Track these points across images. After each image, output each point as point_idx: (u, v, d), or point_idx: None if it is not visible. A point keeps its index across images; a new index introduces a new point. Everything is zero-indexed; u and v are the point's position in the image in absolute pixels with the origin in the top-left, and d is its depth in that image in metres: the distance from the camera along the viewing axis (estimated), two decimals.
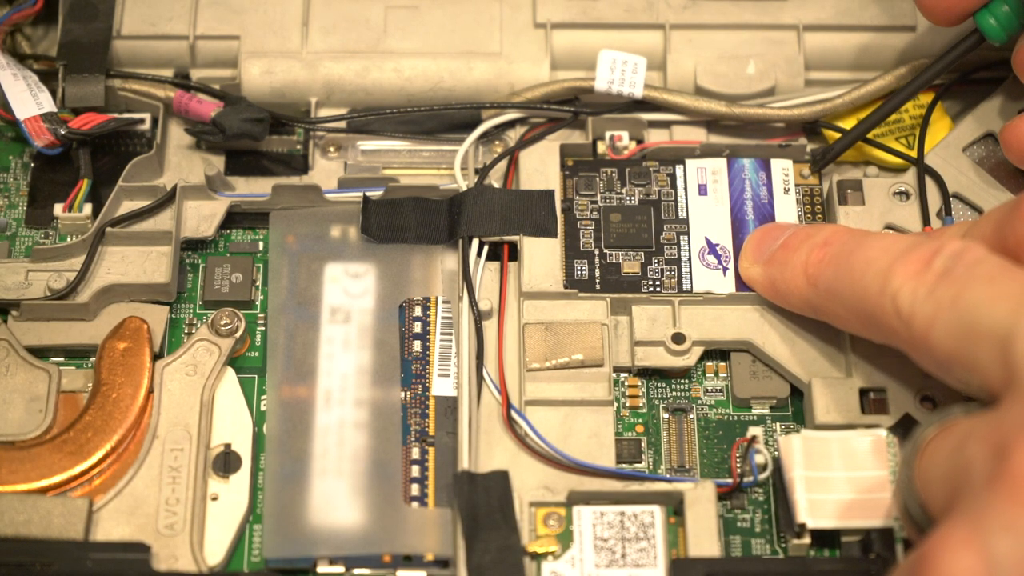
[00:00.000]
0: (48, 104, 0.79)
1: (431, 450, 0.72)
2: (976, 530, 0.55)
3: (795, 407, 0.74)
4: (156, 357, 0.74)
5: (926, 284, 0.63)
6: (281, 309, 0.75)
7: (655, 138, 0.81)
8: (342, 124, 0.81)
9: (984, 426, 0.58)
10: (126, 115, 0.81)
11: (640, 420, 0.74)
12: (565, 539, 0.69)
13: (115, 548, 0.67)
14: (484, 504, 0.68)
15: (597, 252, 0.77)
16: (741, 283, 0.75)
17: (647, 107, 0.81)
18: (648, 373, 0.75)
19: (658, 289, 0.75)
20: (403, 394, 0.73)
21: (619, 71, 0.80)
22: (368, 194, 0.78)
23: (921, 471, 0.62)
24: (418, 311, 0.76)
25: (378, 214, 0.77)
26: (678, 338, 0.74)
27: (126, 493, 0.70)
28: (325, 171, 0.80)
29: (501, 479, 0.69)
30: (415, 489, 0.70)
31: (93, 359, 0.75)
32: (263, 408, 0.74)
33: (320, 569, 0.69)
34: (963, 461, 0.59)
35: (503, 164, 0.79)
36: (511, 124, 0.81)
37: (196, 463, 0.70)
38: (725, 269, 0.76)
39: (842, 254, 0.68)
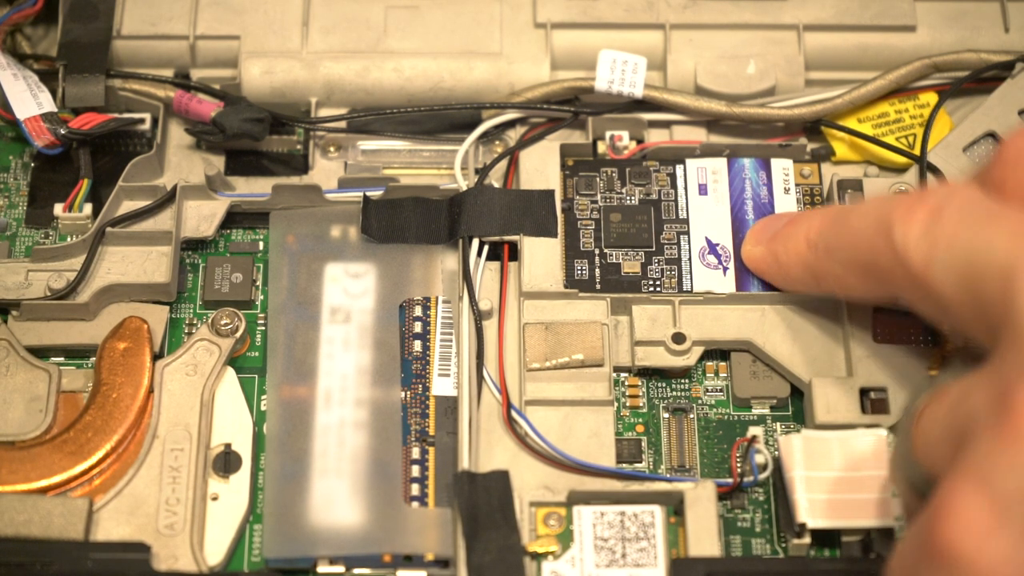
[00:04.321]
0: (48, 104, 0.79)
1: (431, 450, 0.72)
2: (982, 475, 0.55)
3: (795, 407, 0.74)
4: (156, 357, 0.74)
5: (920, 220, 0.62)
6: (281, 309, 0.75)
7: (655, 138, 0.81)
8: (342, 124, 0.81)
9: (983, 376, 0.58)
10: (126, 115, 0.81)
11: (640, 420, 0.74)
12: (565, 539, 0.69)
13: (115, 548, 0.67)
14: (484, 504, 0.68)
15: (597, 252, 0.77)
16: (742, 283, 0.75)
17: (647, 107, 0.81)
18: (648, 373, 0.75)
19: (658, 289, 0.75)
20: (403, 394, 0.73)
21: (619, 71, 0.80)
22: (368, 194, 0.78)
23: (920, 437, 0.62)
24: (418, 311, 0.76)
25: (378, 214, 0.77)
26: (678, 338, 0.74)
27: (126, 493, 0.70)
28: (325, 171, 0.80)
29: (501, 479, 0.69)
30: (415, 489, 0.70)
31: (93, 359, 0.75)
32: (263, 408, 0.74)
33: (320, 569, 0.69)
34: (963, 415, 0.59)
35: (503, 164, 0.79)
36: (511, 124, 0.81)
37: (196, 463, 0.70)
38: (725, 269, 0.76)
39: (840, 214, 0.69)
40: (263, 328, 0.77)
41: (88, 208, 0.78)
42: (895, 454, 0.66)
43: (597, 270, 0.76)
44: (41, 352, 0.75)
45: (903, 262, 0.63)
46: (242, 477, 0.71)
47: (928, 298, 0.63)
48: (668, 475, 0.72)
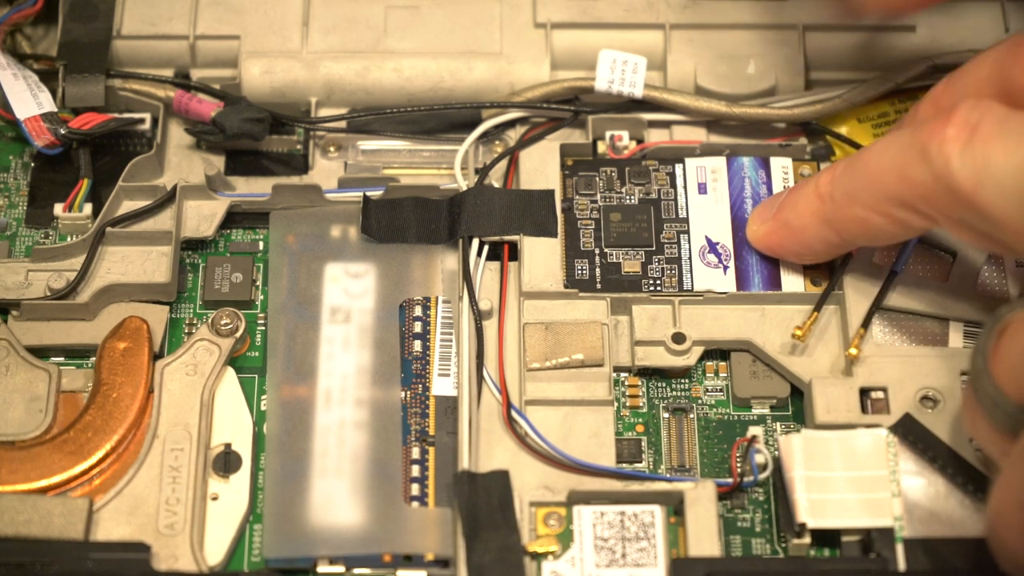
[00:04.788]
0: (48, 104, 0.79)
1: (431, 450, 0.72)
2: None
3: (795, 407, 0.74)
4: (156, 357, 0.74)
5: (958, 139, 0.61)
6: (281, 309, 0.75)
7: (655, 138, 0.81)
8: (342, 124, 0.81)
9: None
10: (126, 115, 0.81)
11: (640, 420, 0.74)
12: (565, 539, 0.69)
13: (115, 548, 0.67)
14: (484, 504, 0.68)
15: (597, 251, 0.77)
16: (742, 281, 0.75)
17: (647, 107, 0.81)
18: (648, 373, 0.75)
19: (659, 288, 0.75)
20: (403, 394, 0.73)
21: (619, 71, 0.80)
22: (368, 194, 0.78)
23: (1002, 368, 0.61)
24: (418, 311, 0.76)
25: (378, 214, 0.77)
26: (678, 338, 0.74)
27: (126, 493, 0.70)
28: (325, 171, 0.80)
29: (501, 479, 0.69)
30: (415, 489, 0.70)
31: (93, 359, 0.75)
32: (263, 408, 0.74)
33: (320, 569, 0.69)
34: None
35: (503, 164, 0.79)
36: (511, 124, 0.81)
37: (196, 463, 0.70)
38: (726, 268, 0.76)
39: (851, 160, 0.69)
40: (263, 328, 0.77)
41: (88, 208, 0.78)
42: (972, 398, 0.64)
43: (597, 270, 0.76)
44: (41, 352, 0.75)
45: (948, 185, 0.62)
46: (242, 477, 0.71)
47: (976, 220, 0.62)
48: (668, 475, 0.72)
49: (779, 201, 0.74)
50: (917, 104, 0.73)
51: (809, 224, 0.71)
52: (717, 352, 0.76)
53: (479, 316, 0.74)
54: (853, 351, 0.72)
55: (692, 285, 0.75)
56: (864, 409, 0.72)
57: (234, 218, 0.79)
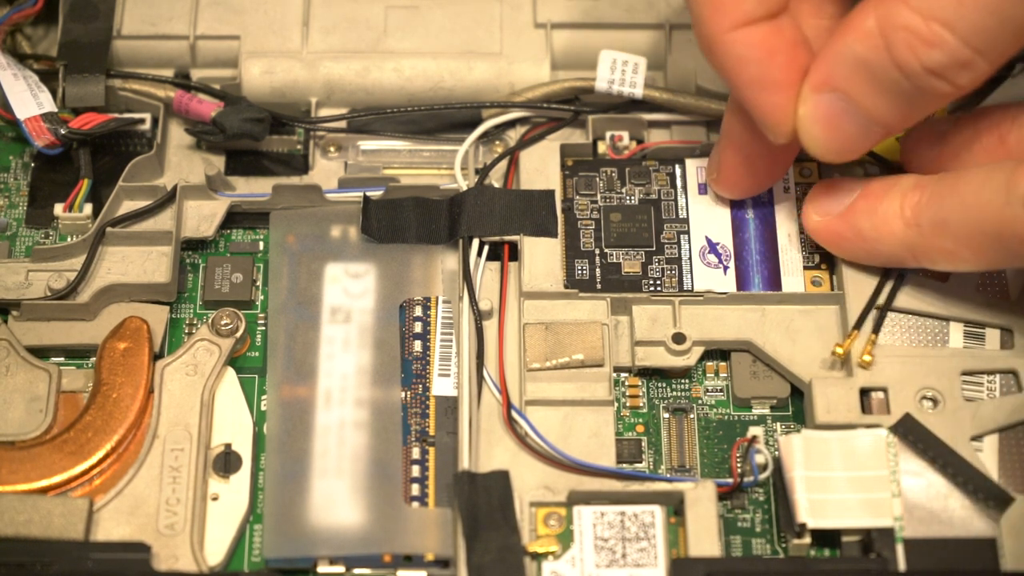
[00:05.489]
0: (48, 104, 0.79)
1: (431, 450, 0.72)
2: None
3: (795, 407, 0.74)
4: (156, 357, 0.74)
5: None
6: (281, 309, 0.75)
7: (655, 138, 0.81)
8: (342, 124, 0.81)
9: None
10: (126, 115, 0.81)
11: (640, 420, 0.74)
12: (565, 539, 0.69)
13: (115, 548, 0.67)
14: (484, 504, 0.68)
15: (597, 252, 0.77)
16: (742, 282, 0.75)
17: (647, 107, 0.81)
18: (648, 373, 0.75)
19: (659, 288, 0.75)
20: (403, 394, 0.73)
21: (619, 71, 0.80)
22: (368, 194, 0.78)
23: None
24: (418, 311, 0.76)
25: (378, 214, 0.77)
26: (678, 338, 0.74)
27: (126, 493, 0.70)
28: (325, 171, 0.80)
29: (501, 479, 0.69)
30: (415, 489, 0.71)
31: (93, 359, 0.75)
32: (263, 408, 0.74)
33: (320, 569, 0.69)
34: None
35: (503, 164, 0.79)
36: (511, 124, 0.81)
37: (196, 463, 0.70)
38: (726, 268, 0.76)
39: (944, 187, 0.68)
40: (263, 328, 0.77)
41: (88, 208, 0.78)
42: None
43: (597, 270, 0.76)
44: (41, 352, 0.75)
45: None
46: (242, 477, 0.71)
47: None
48: (668, 475, 0.72)
49: (848, 196, 0.73)
50: (962, 127, 0.73)
51: (886, 240, 0.71)
52: (717, 352, 0.76)
53: (479, 316, 0.74)
54: (861, 354, 0.72)
55: (692, 285, 0.75)
56: (864, 409, 0.72)
57: (234, 218, 0.79)
